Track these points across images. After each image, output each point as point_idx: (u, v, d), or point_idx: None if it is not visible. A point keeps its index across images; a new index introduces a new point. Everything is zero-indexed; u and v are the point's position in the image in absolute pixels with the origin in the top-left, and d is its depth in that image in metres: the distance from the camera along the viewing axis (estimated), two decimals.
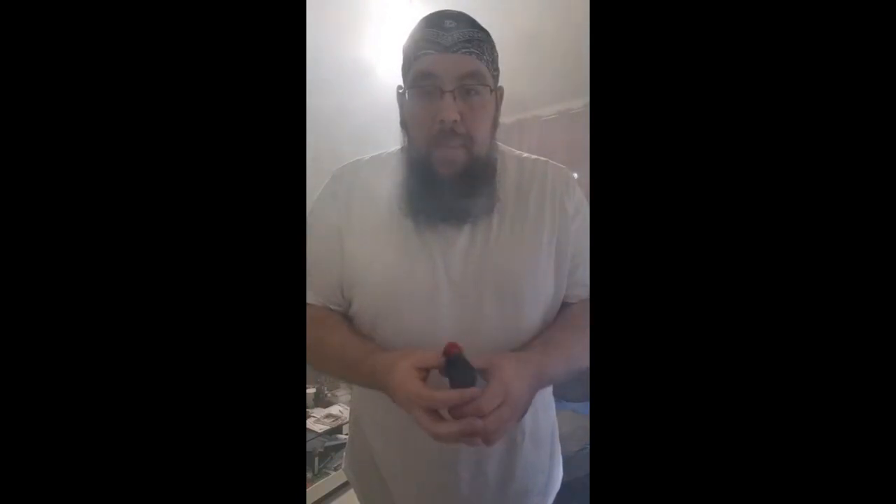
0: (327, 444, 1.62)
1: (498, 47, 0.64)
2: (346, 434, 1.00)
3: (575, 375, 0.63)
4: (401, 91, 0.65)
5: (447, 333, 0.61)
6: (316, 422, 1.73)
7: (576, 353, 0.62)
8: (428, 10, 0.63)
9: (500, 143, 0.71)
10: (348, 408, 1.41)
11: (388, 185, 0.68)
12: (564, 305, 0.69)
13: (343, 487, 1.49)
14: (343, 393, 1.95)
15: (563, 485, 0.81)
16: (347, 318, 0.69)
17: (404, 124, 0.66)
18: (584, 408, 1.56)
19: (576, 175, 0.73)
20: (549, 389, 0.78)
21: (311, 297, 0.67)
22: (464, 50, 0.59)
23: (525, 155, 0.73)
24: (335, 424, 1.72)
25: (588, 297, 0.69)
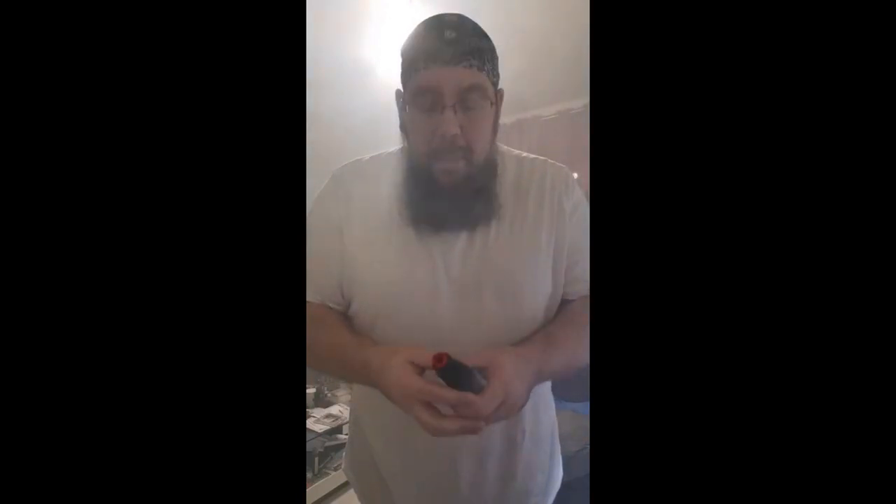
0: (327, 444, 1.62)
1: (498, 47, 0.64)
2: (346, 434, 1.00)
3: (574, 372, 0.63)
4: (401, 100, 0.65)
5: (447, 332, 0.62)
6: (316, 422, 1.73)
7: (575, 349, 0.62)
8: (428, 9, 0.62)
9: (499, 144, 0.71)
10: (348, 408, 1.41)
11: (388, 185, 0.68)
12: (564, 302, 0.70)
13: (343, 487, 1.49)
14: (343, 393, 1.95)
15: (563, 485, 0.81)
16: (346, 317, 0.69)
17: (404, 128, 0.66)
18: (584, 408, 1.56)
19: (576, 175, 0.73)
20: (549, 389, 0.78)
21: (310, 296, 0.67)
22: (464, 63, 0.58)
23: (524, 154, 0.73)
24: (335, 424, 1.72)
25: (586, 293, 0.69)
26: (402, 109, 0.65)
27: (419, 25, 0.61)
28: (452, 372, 0.50)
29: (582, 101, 2.09)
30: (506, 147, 0.74)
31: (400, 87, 0.64)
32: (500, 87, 0.65)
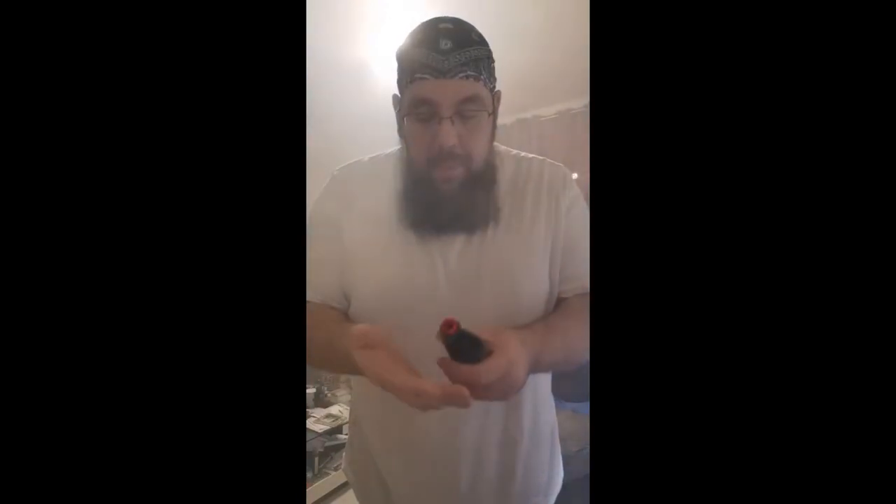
0: (327, 444, 1.62)
1: (498, 47, 0.64)
2: (346, 434, 1.00)
3: (570, 365, 0.62)
4: (398, 106, 0.65)
5: None
6: (316, 422, 1.74)
7: (573, 341, 0.61)
8: (428, 8, 0.62)
9: (497, 144, 0.71)
10: (348, 408, 1.41)
11: (387, 186, 0.68)
12: (559, 301, 0.70)
13: (343, 487, 1.49)
14: (343, 393, 1.95)
15: (563, 485, 0.81)
16: (347, 317, 0.69)
17: (401, 133, 0.66)
18: (584, 408, 1.56)
19: (575, 175, 0.73)
20: (549, 389, 0.78)
21: (310, 295, 0.67)
22: (461, 75, 0.58)
23: (522, 154, 0.73)
24: (335, 424, 1.72)
25: (581, 291, 0.69)
26: (399, 114, 0.66)
27: (415, 30, 0.61)
28: (461, 340, 0.48)
29: (582, 101, 2.09)
30: (504, 147, 0.74)
31: (397, 91, 0.64)
32: (497, 89, 0.65)
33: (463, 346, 0.48)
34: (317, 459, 1.55)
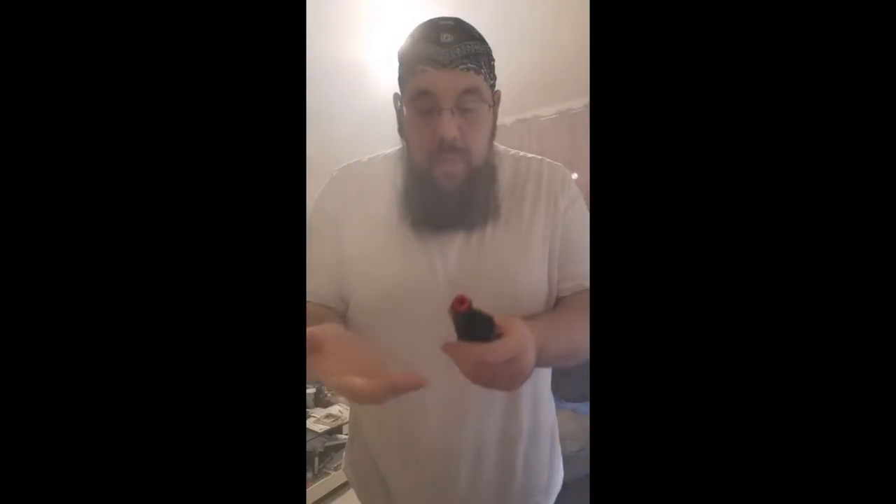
0: (327, 444, 1.62)
1: (498, 46, 0.64)
2: (346, 434, 1.00)
3: (572, 360, 0.62)
4: (398, 104, 0.65)
5: (445, 331, 0.62)
6: (316, 422, 1.73)
7: (576, 335, 0.61)
8: (428, 8, 0.63)
9: (497, 144, 0.71)
10: (348, 408, 1.41)
11: (386, 186, 0.68)
12: (558, 299, 0.70)
13: (343, 487, 1.48)
14: None
15: (563, 485, 0.81)
16: (345, 318, 0.69)
17: (402, 132, 0.67)
18: (584, 408, 1.56)
19: (575, 175, 0.74)
20: (549, 389, 0.79)
21: (309, 296, 0.68)
22: (461, 66, 0.59)
23: (521, 154, 0.74)
24: (335, 424, 1.72)
25: (579, 289, 0.69)
26: (399, 113, 0.66)
27: (416, 29, 0.62)
28: (473, 317, 0.46)
29: (582, 101, 2.09)
30: (503, 147, 0.74)
31: (398, 90, 0.65)
32: (497, 88, 0.65)
33: (475, 323, 0.47)
34: (317, 459, 1.55)
